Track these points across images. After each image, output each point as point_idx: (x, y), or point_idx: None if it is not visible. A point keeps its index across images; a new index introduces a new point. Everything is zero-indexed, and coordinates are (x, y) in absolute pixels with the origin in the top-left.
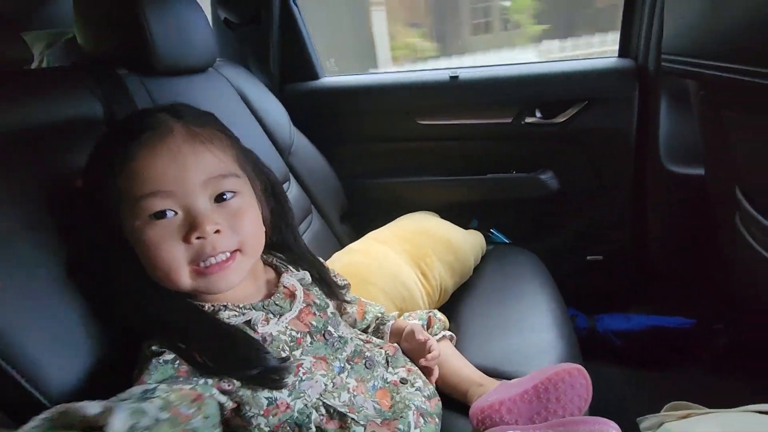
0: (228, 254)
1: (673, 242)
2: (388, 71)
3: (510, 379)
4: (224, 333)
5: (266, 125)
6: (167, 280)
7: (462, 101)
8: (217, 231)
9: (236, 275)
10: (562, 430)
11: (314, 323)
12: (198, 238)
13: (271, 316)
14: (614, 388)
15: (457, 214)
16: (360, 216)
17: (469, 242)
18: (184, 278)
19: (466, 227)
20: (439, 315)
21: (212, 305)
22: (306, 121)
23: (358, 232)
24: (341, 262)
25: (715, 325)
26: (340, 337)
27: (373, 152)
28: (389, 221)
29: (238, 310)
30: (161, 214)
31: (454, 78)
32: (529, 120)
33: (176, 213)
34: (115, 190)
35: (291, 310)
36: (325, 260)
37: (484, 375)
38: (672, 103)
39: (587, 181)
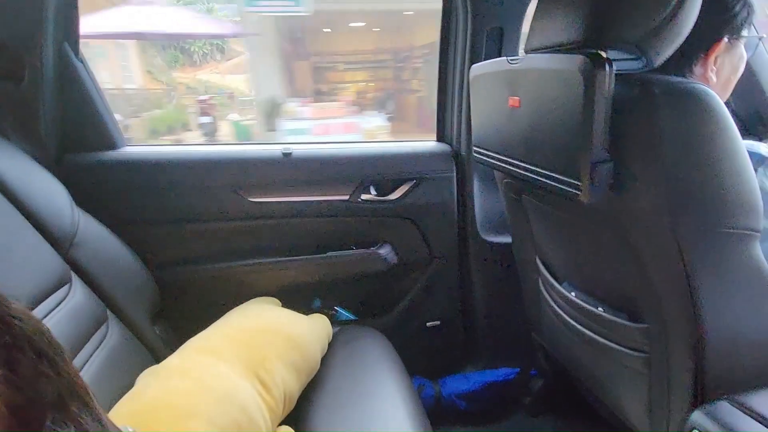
0: None
1: (494, 302)
2: (210, 143)
3: None
4: None
5: (32, 213)
6: None
7: (296, 178)
8: None
9: None
10: None
11: None
12: None
13: None
14: None
15: (298, 295)
16: (179, 314)
17: (315, 333)
18: None
19: (308, 308)
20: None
21: None
22: (97, 200)
23: (178, 336)
24: (151, 395)
25: (530, 373)
26: None
27: (195, 233)
28: (218, 316)
29: None
30: None
31: (287, 155)
32: (365, 197)
33: None
34: None
35: None
36: (128, 388)
37: None
38: (482, 182)
39: (421, 252)
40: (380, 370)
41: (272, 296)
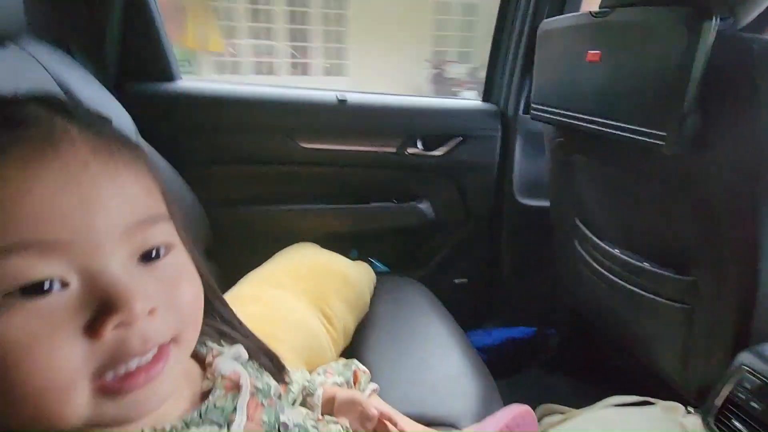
0: (156, 350)
1: (520, 264)
2: (266, 84)
3: (437, 424)
4: None
5: None
6: (47, 416)
7: (349, 126)
8: (152, 311)
9: (168, 384)
10: None
11: (265, 419)
12: (117, 327)
13: (216, 429)
14: None
15: (336, 243)
16: (227, 251)
17: (363, 275)
18: (78, 407)
19: (346, 257)
20: (362, 367)
21: None
22: (156, 133)
23: (225, 272)
24: None
25: (548, 331)
26: (297, 426)
27: (244, 175)
28: (262, 256)
29: None
30: (38, 288)
31: (342, 101)
32: (411, 150)
33: (66, 285)
34: None
35: (238, 410)
36: None
37: (428, 429)
38: (524, 145)
39: (457, 210)
40: (429, 319)
41: (313, 242)
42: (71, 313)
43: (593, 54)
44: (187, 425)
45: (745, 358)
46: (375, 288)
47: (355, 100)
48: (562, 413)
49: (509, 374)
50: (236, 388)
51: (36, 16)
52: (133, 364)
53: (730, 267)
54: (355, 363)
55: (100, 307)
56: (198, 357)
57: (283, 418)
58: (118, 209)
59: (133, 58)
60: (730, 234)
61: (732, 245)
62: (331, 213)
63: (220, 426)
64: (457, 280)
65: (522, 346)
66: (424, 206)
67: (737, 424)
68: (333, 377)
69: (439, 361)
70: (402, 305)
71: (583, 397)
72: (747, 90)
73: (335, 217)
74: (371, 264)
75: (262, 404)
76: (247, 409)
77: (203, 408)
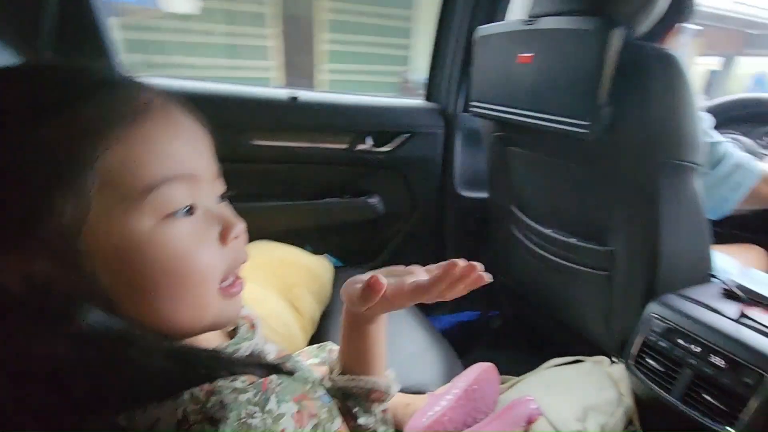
0: None
1: (464, 252)
2: (214, 82)
3: (412, 392)
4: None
5: None
6: (195, 307)
7: (301, 124)
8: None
9: (241, 298)
10: (498, 422)
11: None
12: (234, 238)
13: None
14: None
15: (291, 240)
16: None
17: (324, 268)
18: (213, 302)
19: None
20: (335, 347)
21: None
22: None
23: None
24: None
25: (491, 314)
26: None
27: None
28: None
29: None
30: (189, 210)
31: (293, 99)
32: (361, 147)
33: (194, 211)
34: (87, 183)
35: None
36: None
37: (403, 393)
38: (464, 141)
39: (404, 204)
40: None
41: (269, 239)
42: (208, 228)
43: (525, 56)
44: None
45: (652, 308)
46: (336, 281)
47: (306, 98)
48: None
49: (461, 354)
50: (253, 326)
51: None
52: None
53: (637, 236)
54: (329, 344)
55: (223, 225)
56: None
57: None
58: (210, 157)
59: (71, 48)
60: (636, 207)
61: (638, 217)
62: (285, 210)
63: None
64: None
65: (468, 329)
66: (374, 201)
67: (651, 362)
68: (309, 359)
69: (404, 339)
70: None
71: (527, 367)
72: (642, 87)
73: (289, 214)
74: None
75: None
76: None
77: (236, 340)
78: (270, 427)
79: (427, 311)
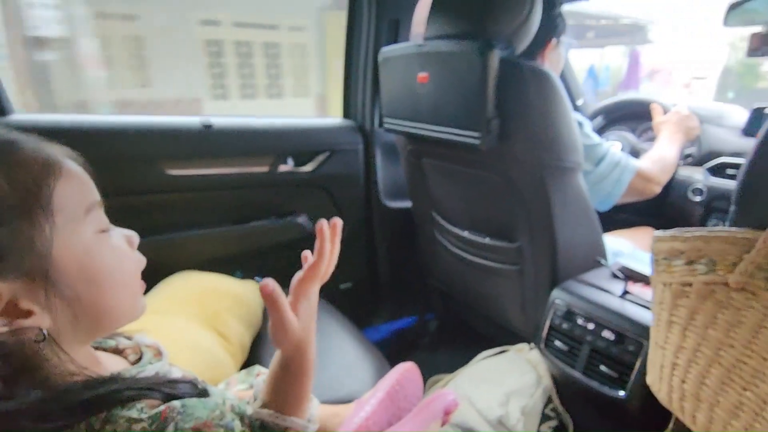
0: None
1: (395, 260)
2: (124, 114)
3: (344, 402)
4: None
5: None
6: (129, 303)
7: (216, 150)
8: None
9: None
10: (418, 418)
11: None
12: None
13: None
14: None
15: (220, 268)
16: None
17: (251, 292)
18: (140, 294)
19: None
20: (264, 369)
21: None
22: None
23: None
24: None
25: (427, 318)
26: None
27: (111, 208)
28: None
29: None
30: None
31: (207, 127)
32: (283, 168)
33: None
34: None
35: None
36: None
37: (331, 405)
38: (383, 155)
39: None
40: (320, 319)
41: (197, 268)
42: (121, 238)
43: (422, 76)
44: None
45: (555, 293)
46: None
47: (221, 125)
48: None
49: (398, 361)
50: (159, 353)
51: None
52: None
53: (537, 232)
54: (257, 367)
55: (126, 236)
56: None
57: None
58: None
59: None
60: (533, 207)
61: (535, 215)
62: (210, 237)
63: None
64: (342, 286)
65: (406, 335)
66: (302, 219)
67: (557, 342)
68: (237, 386)
69: (336, 353)
70: None
71: (464, 363)
72: (522, 101)
73: (215, 240)
74: (258, 283)
75: None
76: None
77: (141, 363)
78: None
79: (366, 322)
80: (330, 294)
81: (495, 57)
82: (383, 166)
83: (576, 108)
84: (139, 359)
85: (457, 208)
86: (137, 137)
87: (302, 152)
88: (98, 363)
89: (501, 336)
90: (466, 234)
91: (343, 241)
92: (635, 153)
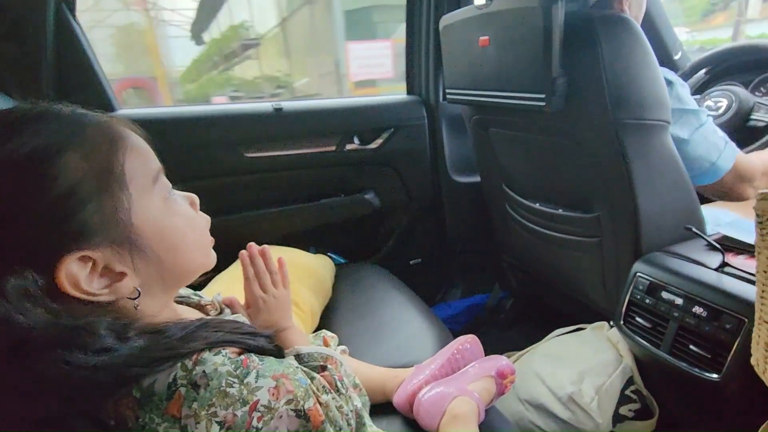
0: None
1: (466, 236)
2: (204, 103)
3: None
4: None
5: None
6: (203, 258)
7: (287, 132)
8: None
9: None
10: (472, 370)
11: None
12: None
13: None
14: None
15: (293, 243)
16: None
17: (322, 265)
18: (210, 247)
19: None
20: (330, 333)
21: None
22: None
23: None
24: None
25: (502, 294)
26: None
27: (197, 191)
28: (225, 264)
29: None
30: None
31: (278, 110)
32: (349, 147)
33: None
34: (125, 192)
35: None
36: None
37: (393, 368)
38: (450, 129)
39: (400, 195)
40: (388, 291)
41: (272, 244)
42: (184, 201)
43: (483, 39)
44: None
45: (637, 266)
46: (337, 276)
47: (290, 108)
48: None
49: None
50: (221, 311)
51: None
52: None
53: (617, 200)
54: (323, 332)
55: (189, 199)
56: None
57: None
58: None
59: (70, 93)
60: (609, 171)
61: (613, 181)
62: (285, 215)
63: None
64: (412, 261)
65: (480, 312)
66: (370, 196)
67: (639, 320)
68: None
69: (401, 324)
70: (363, 286)
71: (537, 341)
72: (592, 55)
73: (289, 218)
74: (329, 257)
75: None
76: None
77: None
78: (245, 396)
79: (438, 298)
80: (400, 270)
81: (559, 10)
82: (450, 141)
83: (670, 63)
84: (220, 314)
85: (526, 178)
86: (221, 123)
87: (367, 130)
88: (181, 316)
89: (580, 314)
90: (537, 206)
91: (412, 217)
92: (746, 111)
